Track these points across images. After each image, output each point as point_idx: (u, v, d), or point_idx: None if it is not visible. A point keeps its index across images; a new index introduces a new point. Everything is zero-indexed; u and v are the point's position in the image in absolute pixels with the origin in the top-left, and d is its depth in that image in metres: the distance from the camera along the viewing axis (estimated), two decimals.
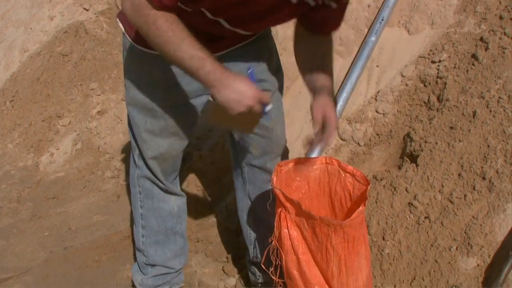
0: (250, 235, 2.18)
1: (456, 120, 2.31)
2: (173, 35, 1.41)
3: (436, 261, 2.04)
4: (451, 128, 2.31)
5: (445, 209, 2.14)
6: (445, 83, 2.49)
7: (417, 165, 2.36)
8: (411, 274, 2.07)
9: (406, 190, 2.29)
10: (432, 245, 2.09)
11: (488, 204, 2.02)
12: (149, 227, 2.13)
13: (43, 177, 3.31)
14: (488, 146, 2.17)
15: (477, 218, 2.01)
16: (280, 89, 1.93)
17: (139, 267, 2.22)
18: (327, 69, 1.63)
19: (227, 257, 2.56)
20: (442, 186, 2.22)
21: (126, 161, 3.32)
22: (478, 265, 1.92)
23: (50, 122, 3.61)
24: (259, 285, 2.26)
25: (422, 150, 2.40)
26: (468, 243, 1.98)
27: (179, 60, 1.43)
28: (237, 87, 1.41)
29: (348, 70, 2.77)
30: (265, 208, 1.80)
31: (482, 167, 2.11)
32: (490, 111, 2.24)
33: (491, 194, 2.03)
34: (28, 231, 2.84)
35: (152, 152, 1.91)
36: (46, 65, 3.86)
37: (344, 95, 2.67)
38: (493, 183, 2.04)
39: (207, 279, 2.43)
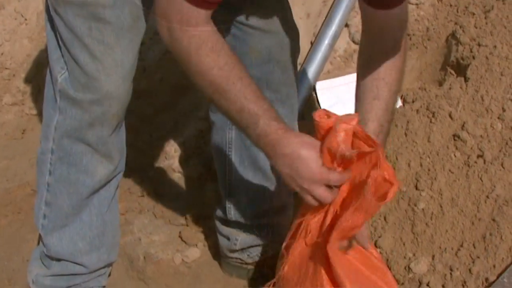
0: (230, 181, 2.20)
1: None
2: (219, 75, 1.53)
3: (493, 219, 2.05)
4: None
5: (507, 143, 2.16)
6: None
7: (466, 80, 2.38)
8: (457, 239, 2.09)
9: (450, 116, 2.30)
10: (487, 197, 2.10)
11: None
12: (56, 206, 2.06)
13: None
14: None
15: None
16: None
17: (40, 255, 2.17)
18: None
19: (185, 218, 2.55)
20: (503, 110, 2.23)
21: (34, 81, 3.31)
22: None
23: None
24: (237, 253, 2.27)
25: (474, 58, 2.43)
26: None
27: (224, 110, 1.58)
28: (294, 160, 1.52)
29: None
30: None
31: None
32: None
33: None
34: None
35: (109, 76, 1.85)
36: None
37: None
38: None
39: (156, 250, 2.41)
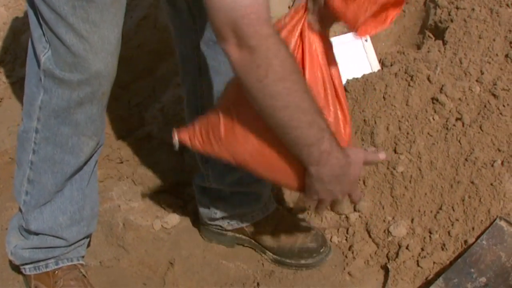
0: None
1: None
2: (297, 81, 1.46)
3: (472, 182, 2.08)
4: None
5: (485, 106, 2.18)
6: None
7: (444, 43, 2.41)
8: (436, 202, 2.11)
9: (429, 79, 2.30)
10: (466, 160, 2.12)
11: None
12: (39, 184, 2.02)
13: None
14: None
15: None
16: None
17: (18, 226, 2.13)
18: None
19: (165, 185, 2.56)
20: (482, 73, 2.25)
21: (11, 49, 3.25)
22: None
23: None
24: (216, 220, 2.26)
25: (452, 21, 2.46)
26: None
27: (289, 127, 1.49)
28: (345, 168, 1.57)
29: None
30: None
31: None
32: None
33: None
34: None
35: (97, 54, 1.78)
36: None
37: None
38: None
39: (136, 217, 2.40)
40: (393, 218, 2.13)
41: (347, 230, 2.18)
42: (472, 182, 2.06)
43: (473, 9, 2.41)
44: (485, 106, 2.17)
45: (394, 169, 2.18)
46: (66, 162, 1.97)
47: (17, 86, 3.05)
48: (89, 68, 1.78)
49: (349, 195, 1.65)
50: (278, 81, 1.44)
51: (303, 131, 1.49)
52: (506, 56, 2.25)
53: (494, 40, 2.30)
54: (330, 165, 1.54)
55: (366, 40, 2.65)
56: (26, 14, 3.28)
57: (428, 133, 2.20)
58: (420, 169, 2.16)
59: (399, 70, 2.36)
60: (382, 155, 1.67)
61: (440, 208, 2.07)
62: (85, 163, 2.01)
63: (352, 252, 2.12)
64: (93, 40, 1.75)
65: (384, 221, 2.14)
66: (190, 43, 2.04)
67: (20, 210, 2.09)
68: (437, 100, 2.23)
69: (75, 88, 1.82)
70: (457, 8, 2.47)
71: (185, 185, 2.52)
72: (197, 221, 2.34)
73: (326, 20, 1.59)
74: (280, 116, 1.48)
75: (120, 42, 1.84)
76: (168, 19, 2.08)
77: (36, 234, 2.07)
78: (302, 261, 2.13)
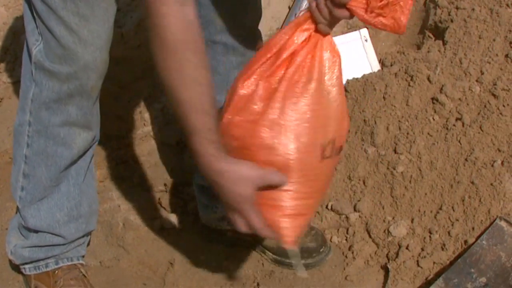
0: None
1: None
2: (176, 68, 1.43)
3: (472, 182, 2.07)
4: None
5: (485, 106, 2.17)
6: None
7: (444, 43, 2.40)
8: (436, 202, 2.11)
9: (429, 79, 2.30)
10: (466, 160, 2.12)
11: None
12: (34, 178, 2.02)
13: None
14: None
15: None
16: None
17: (18, 225, 2.13)
18: None
19: (165, 185, 2.55)
20: (482, 73, 2.25)
21: (11, 49, 3.22)
22: None
23: None
24: (216, 220, 2.25)
25: (452, 21, 2.45)
26: None
27: (174, 105, 1.48)
28: (220, 186, 1.51)
29: None
30: None
31: None
32: None
33: None
34: None
35: (86, 47, 1.79)
36: None
37: None
38: None
39: (135, 217, 2.40)
40: (393, 218, 2.13)
41: (347, 230, 2.18)
42: (472, 182, 2.05)
43: (473, 9, 2.41)
44: (485, 106, 2.16)
45: (394, 169, 2.18)
46: (59, 154, 1.96)
47: (17, 86, 3.02)
48: (78, 61, 1.79)
49: (243, 216, 1.54)
50: (159, 60, 1.43)
51: (179, 117, 1.48)
52: (506, 56, 2.25)
53: (494, 40, 2.29)
54: (204, 167, 1.50)
55: (366, 40, 2.65)
56: None
57: (428, 133, 2.20)
58: (420, 169, 2.15)
59: (399, 70, 2.36)
60: (283, 179, 1.53)
61: (440, 208, 2.07)
62: (80, 157, 2.01)
63: (352, 252, 2.11)
64: (83, 33, 1.76)
65: (384, 221, 2.14)
66: None
67: (17, 208, 2.09)
68: (437, 100, 2.23)
69: (64, 80, 1.83)
70: (457, 8, 2.46)
71: (184, 185, 2.51)
72: (197, 221, 2.34)
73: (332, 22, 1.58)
74: (166, 95, 1.51)
75: (111, 38, 1.85)
76: None
77: (35, 231, 2.06)
78: (302, 261, 2.13)
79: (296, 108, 1.51)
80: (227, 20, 1.97)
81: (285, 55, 1.53)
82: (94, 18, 1.76)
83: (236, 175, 1.50)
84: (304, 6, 1.59)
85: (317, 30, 1.53)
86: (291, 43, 1.53)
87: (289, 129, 1.50)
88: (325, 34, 1.53)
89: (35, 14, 1.80)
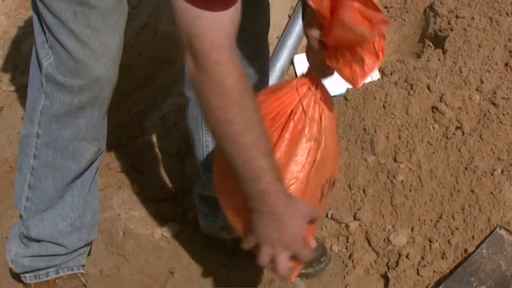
0: (207, 156, 2.15)
1: None
2: (240, 115, 1.43)
3: (472, 191, 2.08)
4: None
5: (485, 115, 2.18)
6: None
7: (444, 52, 2.41)
8: (436, 211, 2.11)
9: (429, 88, 2.30)
10: (466, 168, 2.12)
11: None
12: (40, 190, 2.01)
13: None
14: None
15: None
16: None
17: (19, 234, 2.13)
18: None
19: (165, 193, 2.55)
20: (482, 82, 2.25)
21: (11, 58, 3.24)
22: None
23: None
24: (217, 230, 2.26)
25: (451, 30, 2.45)
26: None
27: (231, 157, 1.48)
28: (279, 222, 1.51)
29: None
30: None
31: None
32: None
33: None
34: None
35: (98, 59, 1.79)
36: None
37: None
38: None
39: (136, 226, 2.40)
40: (393, 226, 2.13)
41: (347, 238, 2.18)
42: (472, 191, 2.06)
43: (472, 18, 2.41)
44: (485, 115, 2.16)
45: (394, 177, 2.18)
46: (67, 167, 1.97)
47: (18, 94, 3.05)
48: (90, 74, 1.79)
49: (293, 254, 1.55)
50: (219, 108, 1.43)
51: (239, 164, 1.47)
52: (506, 64, 2.25)
53: (493, 49, 2.30)
54: (268, 206, 1.50)
55: None
56: (26, 23, 3.31)
57: (428, 142, 2.20)
58: (420, 178, 2.15)
59: (399, 79, 2.36)
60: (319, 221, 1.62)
61: (440, 217, 2.07)
62: (86, 169, 2.01)
63: (352, 261, 2.11)
64: (94, 45, 1.76)
65: (384, 229, 2.14)
66: None
67: (20, 216, 2.09)
68: (437, 108, 2.23)
69: (76, 93, 1.82)
70: (457, 17, 2.47)
71: (185, 193, 2.50)
72: (197, 230, 2.33)
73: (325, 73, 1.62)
74: (220, 142, 1.49)
75: (121, 49, 1.85)
76: (173, 28, 2.07)
77: (37, 241, 2.06)
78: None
79: (297, 159, 1.58)
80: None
81: (282, 119, 1.59)
82: (105, 29, 1.76)
83: (301, 213, 1.53)
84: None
85: (308, 82, 1.60)
86: (285, 106, 1.59)
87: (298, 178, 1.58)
88: (315, 83, 1.60)
89: (44, 27, 1.79)
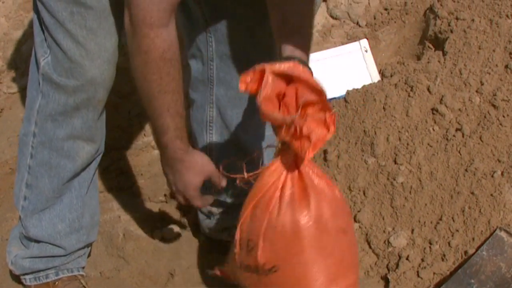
0: (210, 157, 2.07)
1: None
2: (157, 81, 1.61)
3: (472, 193, 2.07)
4: None
5: (485, 117, 2.18)
6: None
7: (444, 54, 2.40)
8: (436, 212, 2.10)
9: (429, 90, 2.30)
10: (466, 170, 2.12)
11: None
12: (37, 189, 2.02)
13: None
14: None
15: None
16: None
17: (19, 234, 2.14)
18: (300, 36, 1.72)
19: (165, 195, 2.55)
20: (482, 84, 2.25)
21: (11, 59, 3.23)
22: None
23: None
24: (217, 232, 2.26)
25: (451, 31, 2.46)
26: None
27: (147, 110, 1.69)
28: (177, 176, 1.79)
29: None
30: (246, 123, 2.04)
31: None
32: None
33: None
34: None
35: (93, 61, 1.81)
36: None
37: None
38: None
39: (136, 228, 2.40)
40: (393, 228, 2.13)
41: None
42: (472, 193, 2.06)
43: (473, 20, 2.41)
44: (485, 117, 2.16)
45: (394, 179, 2.18)
46: (63, 166, 1.97)
47: (18, 96, 3.05)
48: (85, 74, 1.81)
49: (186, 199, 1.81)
50: (139, 71, 1.60)
51: (152, 118, 1.68)
52: (506, 66, 2.25)
53: (494, 50, 2.30)
54: (165, 157, 1.74)
55: (366, 51, 2.66)
56: (26, 25, 3.31)
57: (428, 144, 2.20)
58: (420, 180, 2.15)
59: (399, 80, 2.36)
60: (223, 182, 1.85)
61: (440, 219, 2.07)
62: (83, 169, 2.01)
63: None
64: (90, 46, 1.79)
65: (384, 231, 2.13)
66: (204, 55, 2.05)
67: (19, 217, 2.09)
68: (437, 110, 2.23)
69: (71, 93, 1.84)
70: (457, 18, 2.47)
71: None
72: (197, 232, 2.34)
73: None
74: (140, 95, 1.66)
75: (117, 51, 1.86)
76: (182, 31, 2.07)
77: (36, 241, 2.06)
78: None
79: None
80: (244, 36, 1.97)
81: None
82: (101, 31, 1.78)
83: (198, 166, 1.77)
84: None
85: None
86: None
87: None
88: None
89: (43, 27, 1.81)
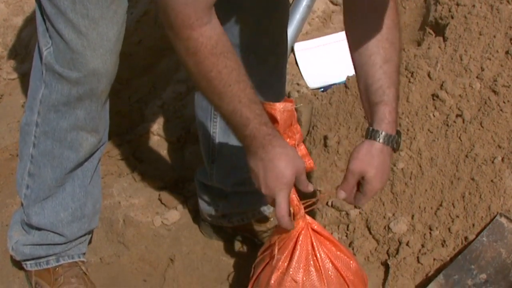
0: (213, 148, 2.15)
1: None
2: (216, 77, 1.53)
3: (472, 178, 2.07)
4: None
5: (486, 102, 2.17)
6: None
7: (445, 39, 2.40)
8: (437, 198, 2.10)
9: (429, 76, 2.30)
10: (467, 156, 2.12)
11: None
12: (39, 178, 2.02)
13: None
14: None
15: None
16: None
17: (20, 220, 2.14)
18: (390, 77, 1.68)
19: (165, 181, 2.55)
20: (482, 70, 2.25)
21: (11, 45, 3.26)
22: None
23: None
24: (217, 218, 2.25)
25: (452, 17, 2.45)
26: None
27: (218, 109, 1.60)
28: (268, 167, 1.59)
29: None
30: None
31: None
32: None
33: None
34: None
35: (95, 51, 1.78)
36: None
37: None
38: None
39: (136, 213, 2.40)
40: (393, 214, 2.12)
41: (348, 226, 2.17)
42: (473, 179, 2.05)
43: (473, 6, 2.40)
44: (485, 103, 2.16)
45: (395, 165, 2.17)
46: (66, 157, 1.96)
47: (17, 82, 3.05)
48: (87, 65, 1.78)
49: (272, 199, 1.63)
50: (196, 74, 1.53)
51: (226, 114, 1.58)
52: (507, 52, 2.24)
53: (494, 36, 2.29)
54: (252, 147, 1.58)
55: None
56: (26, 11, 3.30)
57: (429, 130, 2.20)
58: (420, 166, 2.15)
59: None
60: (310, 187, 1.68)
61: (441, 205, 2.06)
62: (86, 159, 2.00)
63: (353, 249, 2.11)
64: (92, 36, 1.75)
65: (384, 217, 2.13)
66: None
67: (21, 204, 2.09)
68: (437, 96, 2.23)
69: (74, 84, 1.82)
70: (458, 4, 2.46)
71: (185, 181, 2.51)
72: (197, 218, 2.34)
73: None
74: (204, 95, 1.59)
75: (121, 41, 1.83)
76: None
77: (38, 229, 2.06)
78: None
79: None
80: (250, 27, 1.96)
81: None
82: (103, 20, 1.75)
83: (292, 161, 1.59)
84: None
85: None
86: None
87: None
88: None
89: (45, 17, 1.78)
